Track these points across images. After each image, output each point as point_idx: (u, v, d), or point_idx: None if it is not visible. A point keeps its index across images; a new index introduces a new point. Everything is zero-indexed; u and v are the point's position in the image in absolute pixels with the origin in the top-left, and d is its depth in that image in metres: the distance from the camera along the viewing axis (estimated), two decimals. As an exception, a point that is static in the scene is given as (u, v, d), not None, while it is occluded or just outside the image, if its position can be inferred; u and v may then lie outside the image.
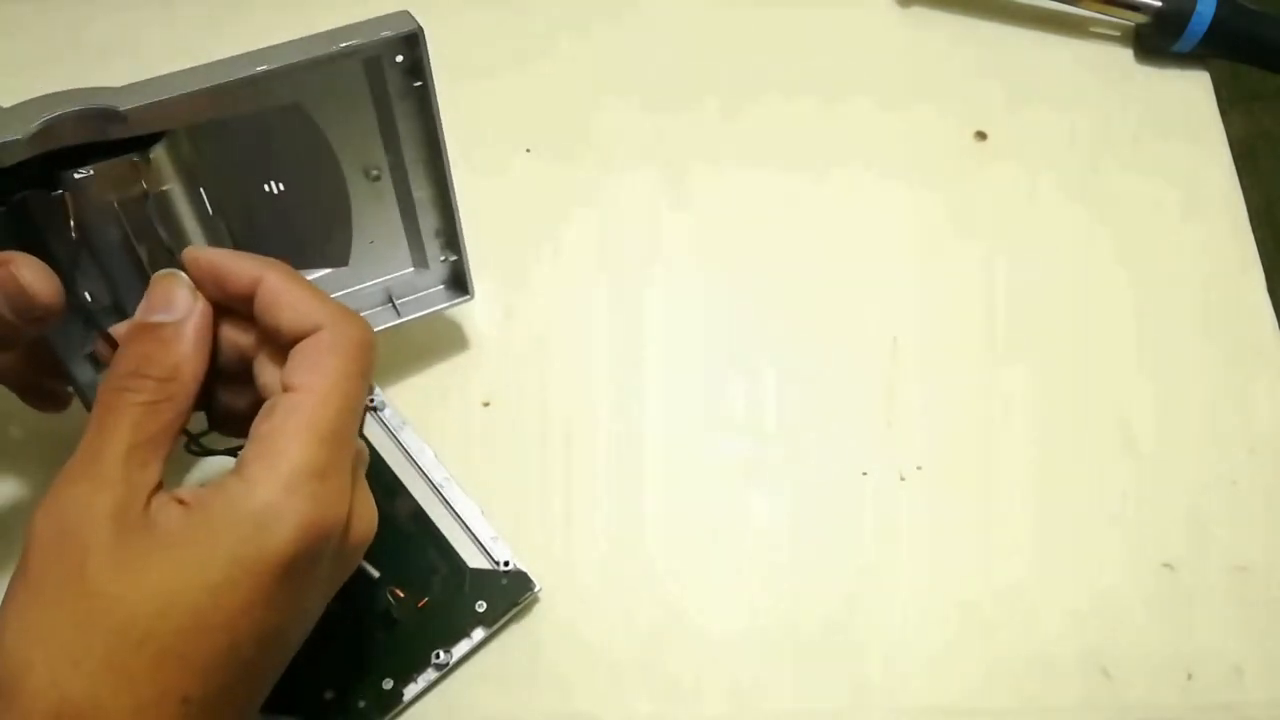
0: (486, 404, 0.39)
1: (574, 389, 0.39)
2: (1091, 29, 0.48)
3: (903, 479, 0.38)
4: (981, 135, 0.45)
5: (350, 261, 0.36)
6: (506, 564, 0.35)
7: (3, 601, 0.25)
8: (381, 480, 0.37)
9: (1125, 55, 0.47)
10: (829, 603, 0.36)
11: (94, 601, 0.25)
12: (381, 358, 0.39)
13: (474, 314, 0.41)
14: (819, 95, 0.46)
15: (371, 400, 0.38)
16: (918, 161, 0.44)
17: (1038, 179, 0.44)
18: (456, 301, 0.38)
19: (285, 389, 0.27)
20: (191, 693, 0.25)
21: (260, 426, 0.27)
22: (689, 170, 0.44)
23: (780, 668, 0.35)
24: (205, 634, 0.25)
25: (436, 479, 0.37)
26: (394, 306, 0.38)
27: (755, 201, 0.43)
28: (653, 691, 0.35)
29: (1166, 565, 0.37)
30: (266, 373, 0.29)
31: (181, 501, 0.26)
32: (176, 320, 0.28)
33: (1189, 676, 0.35)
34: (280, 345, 0.28)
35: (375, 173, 0.34)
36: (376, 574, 0.35)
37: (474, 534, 0.36)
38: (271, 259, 0.29)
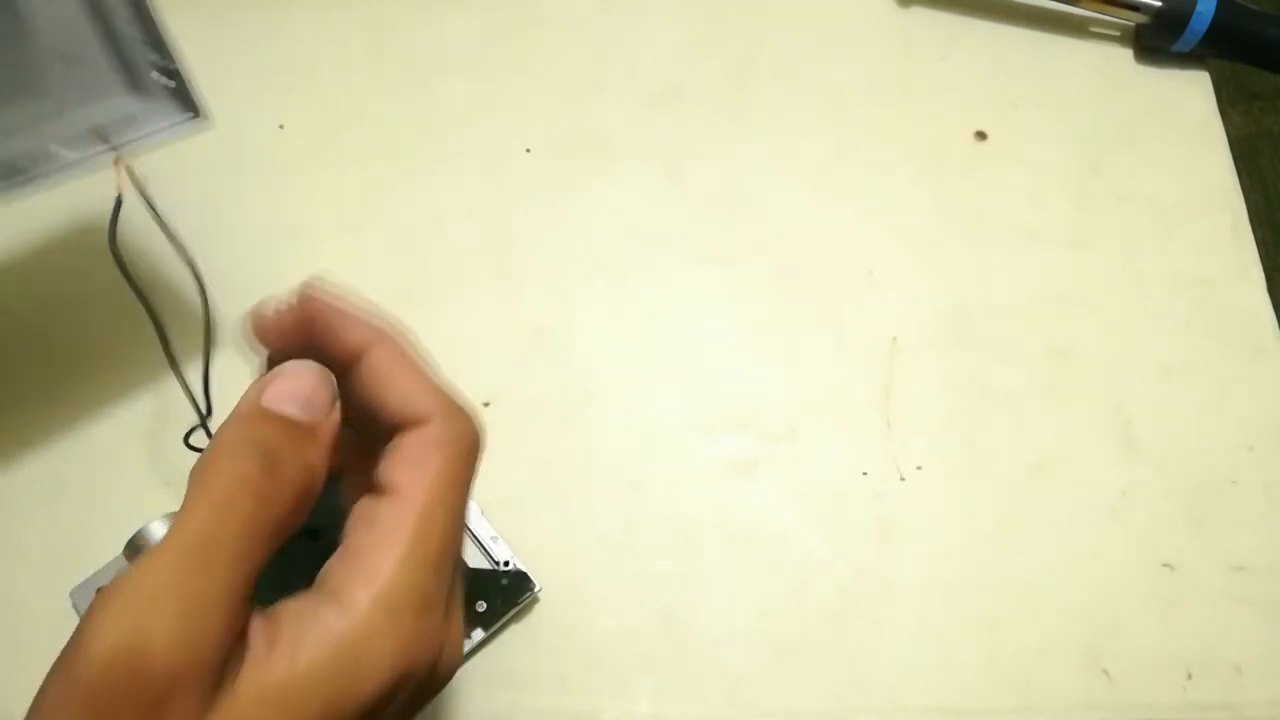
0: (486, 404, 0.39)
1: (574, 388, 0.39)
2: (1091, 29, 0.48)
3: (903, 479, 0.38)
4: (981, 135, 0.45)
5: (51, 90, 0.29)
6: (506, 564, 0.35)
7: None
8: (381, 480, 0.37)
9: (1125, 55, 0.47)
10: (828, 602, 0.36)
11: None
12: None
13: (474, 314, 0.41)
14: (818, 94, 0.46)
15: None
16: (917, 161, 0.44)
17: (1038, 179, 0.44)
18: (182, 122, 0.30)
19: (383, 489, 0.23)
20: None
21: (356, 538, 0.23)
22: (688, 170, 0.44)
23: (780, 667, 0.35)
24: None
25: (436, 479, 0.37)
26: (95, 137, 0.30)
27: (755, 201, 0.43)
28: (652, 691, 0.35)
29: (1166, 565, 0.37)
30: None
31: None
32: (315, 422, 0.23)
33: (1189, 676, 0.35)
34: (370, 426, 0.25)
35: None
36: (376, 574, 0.35)
37: (474, 534, 0.36)
38: (387, 326, 0.25)
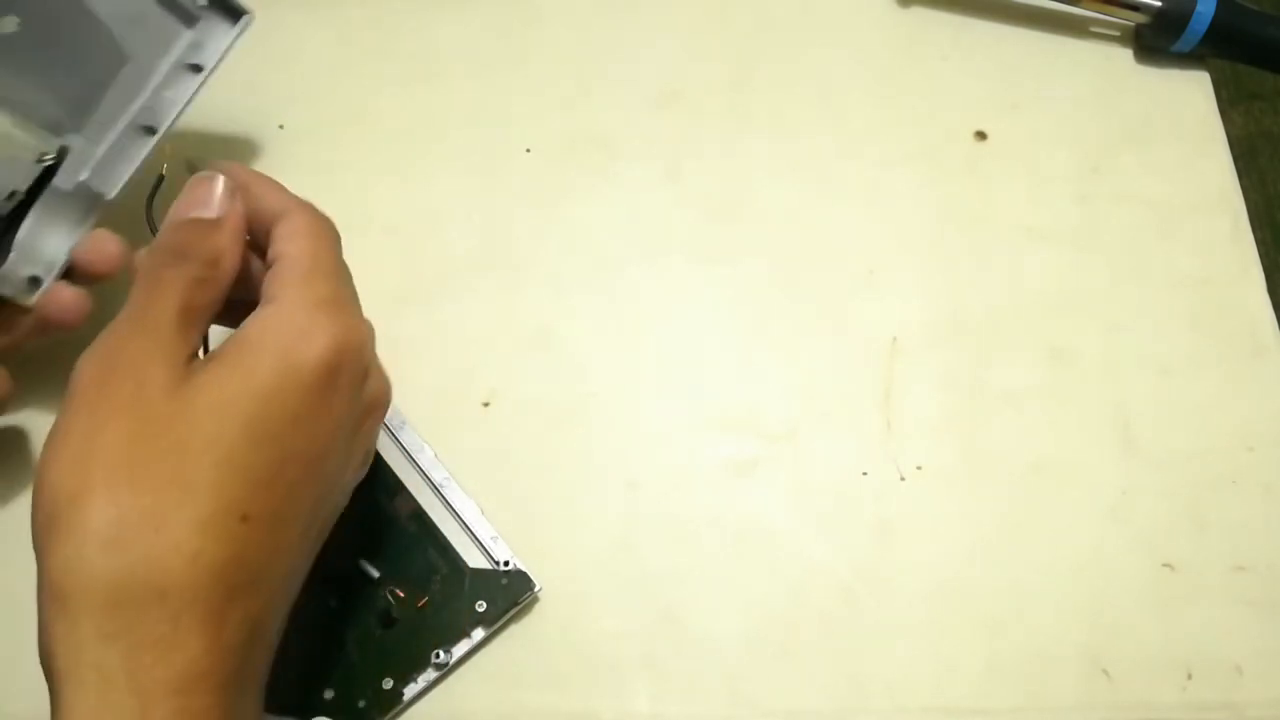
0: (486, 404, 0.39)
1: (574, 388, 0.39)
2: (1091, 29, 0.48)
3: (903, 479, 0.38)
4: (981, 135, 0.45)
5: (133, 53, 0.35)
6: (506, 564, 0.35)
7: (47, 444, 0.26)
8: (381, 480, 0.37)
9: (1125, 55, 0.47)
10: (828, 602, 0.36)
11: (151, 423, 0.26)
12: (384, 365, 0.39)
13: (474, 314, 0.41)
14: (818, 94, 0.46)
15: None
16: (917, 161, 0.44)
17: (1038, 179, 0.44)
18: (240, 29, 0.36)
19: (277, 257, 0.30)
20: (250, 510, 0.26)
21: (269, 285, 0.29)
22: (688, 170, 0.44)
23: (780, 667, 0.35)
24: (259, 445, 0.26)
25: (436, 479, 0.37)
26: (190, 70, 0.36)
27: (755, 201, 0.43)
28: (652, 691, 0.35)
29: (1166, 565, 0.37)
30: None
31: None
32: (216, 217, 0.29)
33: (1189, 676, 0.35)
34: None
35: None
36: (376, 574, 0.35)
37: (474, 534, 0.36)
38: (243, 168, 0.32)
